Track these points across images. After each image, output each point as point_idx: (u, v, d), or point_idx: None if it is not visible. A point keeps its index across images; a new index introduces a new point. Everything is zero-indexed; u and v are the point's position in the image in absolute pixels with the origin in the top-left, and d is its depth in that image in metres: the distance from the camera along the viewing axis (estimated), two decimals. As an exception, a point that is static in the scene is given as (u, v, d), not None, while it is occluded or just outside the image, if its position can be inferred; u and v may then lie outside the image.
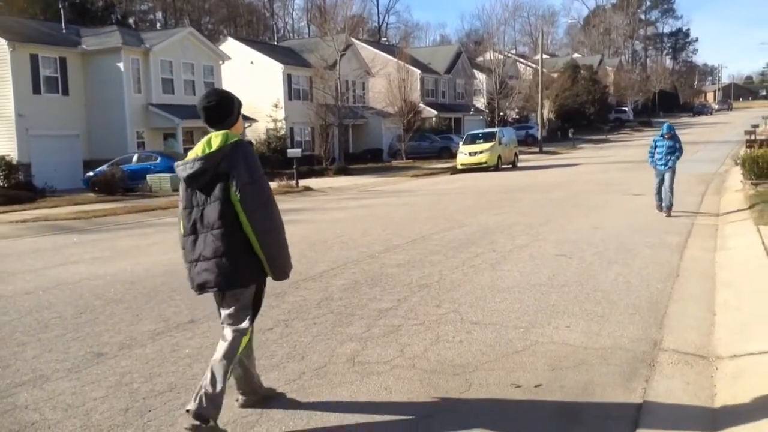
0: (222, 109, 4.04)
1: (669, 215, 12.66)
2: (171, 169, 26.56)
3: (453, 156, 36.45)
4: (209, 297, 4.14)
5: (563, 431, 3.88)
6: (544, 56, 55.58)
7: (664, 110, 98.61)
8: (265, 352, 5.50)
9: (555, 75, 67.63)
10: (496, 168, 31.38)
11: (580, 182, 21.68)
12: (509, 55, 67.80)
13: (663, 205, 12.96)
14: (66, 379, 5.06)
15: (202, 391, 3.84)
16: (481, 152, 31.33)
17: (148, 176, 26.00)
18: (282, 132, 38.49)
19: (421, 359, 5.17)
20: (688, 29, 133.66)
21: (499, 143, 32.23)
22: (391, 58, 46.41)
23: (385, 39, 77.16)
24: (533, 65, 65.24)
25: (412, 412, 4.21)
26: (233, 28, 72.88)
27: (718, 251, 9.18)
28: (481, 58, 62.75)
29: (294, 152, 26.72)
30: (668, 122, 14.86)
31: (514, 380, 4.65)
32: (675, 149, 13.03)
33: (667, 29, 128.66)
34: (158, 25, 65.70)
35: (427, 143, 43.32)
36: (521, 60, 73.29)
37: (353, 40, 45.27)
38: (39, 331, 6.44)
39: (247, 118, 36.56)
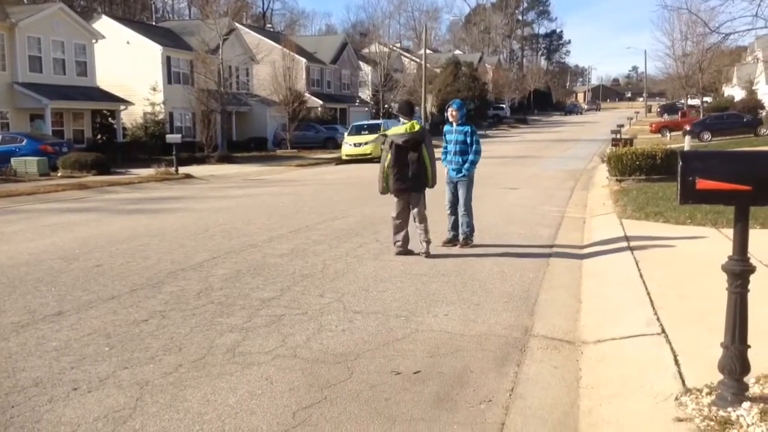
0: (411, 110, 8.84)
1: (465, 245, 9.05)
2: (38, 152, 24.97)
3: (338, 146, 36.48)
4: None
5: (440, 417, 4.00)
6: (428, 51, 56.68)
7: (539, 108, 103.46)
8: (140, 344, 5.30)
9: (438, 70, 69.18)
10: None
11: (461, 175, 22.28)
12: (394, 48, 68.60)
13: (459, 231, 9.16)
14: None
15: (426, 240, 8.52)
16: (366, 144, 31.55)
17: (12, 159, 24.29)
18: (161, 116, 37.01)
19: (303, 349, 5.16)
20: (562, 31, 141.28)
21: (384, 135, 32.57)
22: (276, 45, 45.71)
23: (270, 26, 75.68)
24: (417, 60, 66.31)
25: (293, 401, 4.20)
26: (108, 6, 69.05)
27: (586, 243, 9.74)
28: (366, 50, 63.06)
29: (173, 138, 25.74)
30: (457, 99, 9.74)
31: (395, 367, 4.75)
32: (468, 145, 9.09)
33: (542, 30, 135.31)
34: (25, -2, 61.22)
35: (312, 133, 43.08)
36: (406, 54, 74.33)
37: (237, 24, 44.19)
38: None
39: (122, 101, 34.95)
